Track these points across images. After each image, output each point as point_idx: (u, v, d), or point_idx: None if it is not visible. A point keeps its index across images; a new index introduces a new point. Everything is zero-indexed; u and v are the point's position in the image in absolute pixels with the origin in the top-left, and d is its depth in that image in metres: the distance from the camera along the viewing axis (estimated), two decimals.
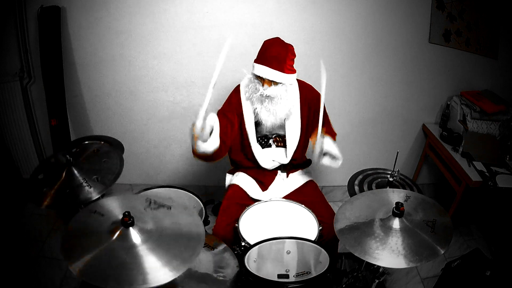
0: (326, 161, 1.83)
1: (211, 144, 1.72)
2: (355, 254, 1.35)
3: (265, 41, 1.88)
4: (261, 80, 1.86)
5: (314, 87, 2.06)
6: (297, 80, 2.00)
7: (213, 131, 1.73)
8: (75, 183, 1.59)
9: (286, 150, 2.05)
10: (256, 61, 1.87)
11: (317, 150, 1.80)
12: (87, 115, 2.71)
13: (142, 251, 1.19)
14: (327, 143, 1.80)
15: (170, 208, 1.38)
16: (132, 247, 1.20)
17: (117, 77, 2.58)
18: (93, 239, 1.21)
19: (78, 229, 1.27)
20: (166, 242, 1.24)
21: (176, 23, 2.43)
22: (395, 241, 1.36)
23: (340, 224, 1.48)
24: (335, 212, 1.58)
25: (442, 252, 1.33)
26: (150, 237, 1.23)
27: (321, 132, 1.79)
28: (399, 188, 1.88)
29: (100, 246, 1.18)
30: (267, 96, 1.87)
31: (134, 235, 1.22)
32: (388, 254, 1.33)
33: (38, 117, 2.68)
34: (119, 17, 2.39)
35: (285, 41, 1.88)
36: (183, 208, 1.39)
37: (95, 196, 1.56)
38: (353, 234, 1.42)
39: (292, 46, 1.87)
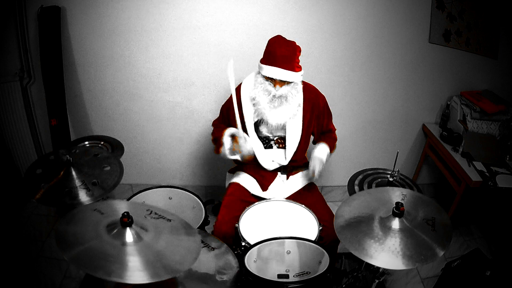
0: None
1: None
2: (356, 255, 1.35)
3: (269, 40, 1.87)
4: (272, 81, 1.85)
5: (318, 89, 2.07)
6: (302, 81, 1.98)
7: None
8: (73, 184, 1.58)
9: (285, 151, 2.05)
10: (263, 62, 1.85)
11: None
12: (87, 115, 2.71)
13: (130, 251, 1.19)
14: (320, 151, 1.96)
15: (170, 221, 1.37)
16: (123, 244, 1.20)
17: (117, 77, 2.58)
18: (88, 231, 1.22)
19: (75, 220, 1.28)
20: (158, 250, 1.23)
21: (176, 23, 2.43)
22: (393, 242, 1.35)
23: (339, 221, 1.47)
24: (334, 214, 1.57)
25: (443, 252, 1.33)
26: (142, 240, 1.23)
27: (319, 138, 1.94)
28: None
29: (95, 239, 1.19)
30: (279, 96, 1.86)
31: (128, 234, 1.23)
32: (387, 255, 1.32)
33: (38, 117, 2.68)
34: (119, 17, 2.39)
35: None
36: (182, 226, 1.39)
37: (92, 200, 1.56)
38: (353, 234, 1.41)
39: (295, 42, 1.87)
